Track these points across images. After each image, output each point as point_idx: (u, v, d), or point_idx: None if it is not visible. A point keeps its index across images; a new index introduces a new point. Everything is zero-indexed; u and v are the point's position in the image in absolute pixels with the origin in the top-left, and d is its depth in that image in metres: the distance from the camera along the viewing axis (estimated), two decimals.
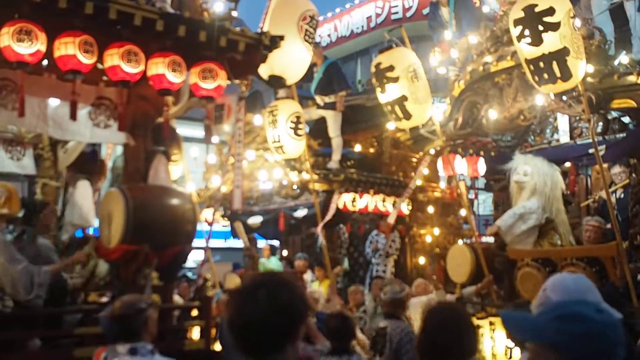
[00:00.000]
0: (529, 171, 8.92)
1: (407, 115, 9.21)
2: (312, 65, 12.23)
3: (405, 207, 13.53)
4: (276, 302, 2.25)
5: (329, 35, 22.11)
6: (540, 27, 6.92)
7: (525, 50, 7.14)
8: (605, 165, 8.26)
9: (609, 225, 8.14)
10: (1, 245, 5.57)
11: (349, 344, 5.22)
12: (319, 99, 13.15)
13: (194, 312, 6.98)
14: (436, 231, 13.74)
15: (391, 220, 12.12)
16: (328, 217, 11.81)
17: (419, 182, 13.40)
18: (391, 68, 9.21)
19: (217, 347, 6.79)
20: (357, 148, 14.21)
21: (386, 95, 9.28)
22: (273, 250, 13.91)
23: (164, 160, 6.52)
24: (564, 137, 10.62)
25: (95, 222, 7.62)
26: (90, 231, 7.89)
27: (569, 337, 2.02)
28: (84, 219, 7.69)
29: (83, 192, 7.88)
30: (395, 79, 9.17)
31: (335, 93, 12.99)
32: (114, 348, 4.16)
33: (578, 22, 7.27)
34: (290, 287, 2.33)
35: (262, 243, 14.81)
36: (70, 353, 5.52)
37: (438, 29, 12.93)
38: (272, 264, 13.34)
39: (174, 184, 7.28)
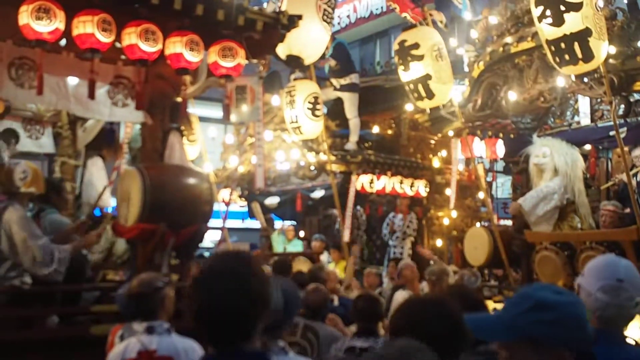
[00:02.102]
0: (548, 152, 8.85)
1: (430, 95, 9.17)
2: None
3: (423, 189, 13.49)
4: (244, 288, 2.14)
5: (348, 16, 21.92)
6: (562, 7, 6.83)
7: (547, 30, 7.06)
8: (626, 148, 8.18)
9: (627, 210, 8.06)
10: (24, 221, 5.59)
11: (376, 326, 5.15)
12: (335, 82, 13.10)
13: None
14: (454, 214, 13.68)
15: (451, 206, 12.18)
16: (350, 203, 11.80)
17: (437, 164, 13.38)
18: (416, 46, 9.16)
19: None
20: (375, 129, 14.16)
21: (410, 73, 9.23)
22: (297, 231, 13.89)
23: (178, 136, 6.51)
24: (584, 120, 10.50)
25: (111, 202, 7.64)
26: (109, 210, 7.90)
27: (547, 326, 2.03)
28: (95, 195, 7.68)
29: (96, 171, 7.89)
30: (420, 57, 9.12)
31: (348, 75, 12.92)
32: (130, 326, 4.17)
33: (600, 3, 7.18)
34: (256, 271, 2.23)
35: (279, 224, 14.82)
36: (87, 330, 5.55)
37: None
38: (294, 245, 13.29)
39: (189, 160, 7.27)
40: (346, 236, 11.54)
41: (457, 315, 2.55)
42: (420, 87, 9.21)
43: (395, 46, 9.55)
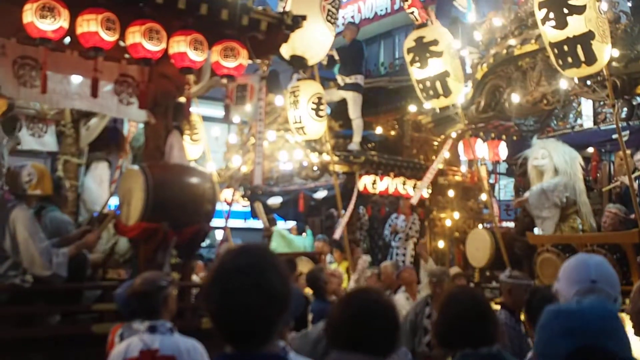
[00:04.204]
0: (546, 154, 8.87)
1: (447, 92, 9.16)
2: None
3: (426, 191, 13.48)
4: (263, 285, 2.02)
5: (352, 17, 21.87)
6: (566, 10, 6.84)
7: (550, 33, 7.06)
8: (628, 152, 8.18)
9: (632, 216, 8.07)
10: (28, 223, 5.61)
11: None
12: (340, 79, 13.11)
13: None
14: (456, 215, 13.67)
15: (414, 201, 12.09)
16: (352, 205, 11.81)
17: (440, 166, 13.35)
18: (435, 42, 9.16)
19: None
20: (378, 130, 14.14)
21: (427, 70, 9.20)
22: (299, 232, 13.84)
23: (177, 135, 6.51)
24: (587, 122, 10.54)
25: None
26: (111, 208, 7.91)
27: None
28: (95, 203, 7.68)
29: (97, 175, 7.89)
30: (440, 54, 9.12)
31: (355, 74, 12.95)
32: (130, 325, 4.18)
33: (604, 6, 7.18)
34: (275, 266, 2.09)
35: (281, 224, 14.81)
36: (88, 328, 5.56)
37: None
38: (299, 241, 13.25)
39: (188, 159, 7.27)
40: (337, 233, 11.53)
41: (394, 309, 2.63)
42: (438, 84, 9.18)
43: (409, 43, 9.49)
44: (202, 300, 2.11)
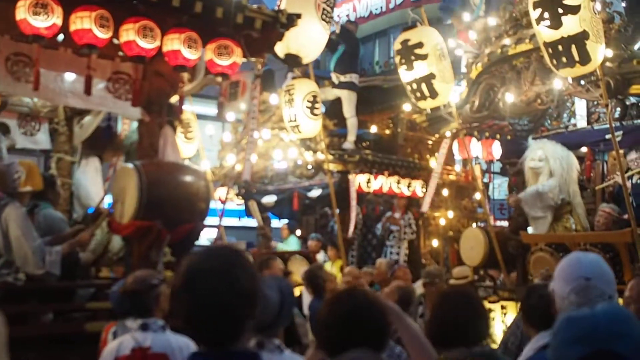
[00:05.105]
0: (543, 156, 8.88)
1: (434, 94, 9.14)
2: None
3: (420, 190, 13.49)
4: (235, 286, 2.06)
5: (347, 16, 21.86)
6: (560, 10, 6.84)
7: (544, 33, 7.07)
8: (621, 151, 8.19)
9: (625, 216, 8.08)
10: (21, 221, 5.59)
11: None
12: (334, 77, 13.11)
13: None
14: (450, 214, 13.69)
15: (424, 209, 12.10)
16: (353, 201, 11.88)
17: (434, 165, 13.36)
18: (420, 45, 9.13)
19: None
20: (373, 129, 14.16)
21: (413, 72, 9.18)
22: (291, 230, 13.84)
23: (170, 132, 6.50)
24: (581, 122, 10.54)
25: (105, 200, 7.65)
26: (105, 206, 7.89)
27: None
28: (89, 198, 7.67)
29: (90, 170, 7.88)
30: (424, 56, 9.09)
31: (350, 73, 12.96)
32: (124, 323, 4.18)
33: (598, 6, 7.19)
34: (245, 267, 2.14)
35: (276, 222, 14.81)
36: (82, 327, 5.55)
37: (451, 11, 12.89)
38: (291, 244, 13.24)
39: (181, 155, 7.26)
40: (350, 231, 11.62)
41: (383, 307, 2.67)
42: (423, 86, 9.18)
43: (396, 45, 9.51)
44: (172, 302, 2.13)
